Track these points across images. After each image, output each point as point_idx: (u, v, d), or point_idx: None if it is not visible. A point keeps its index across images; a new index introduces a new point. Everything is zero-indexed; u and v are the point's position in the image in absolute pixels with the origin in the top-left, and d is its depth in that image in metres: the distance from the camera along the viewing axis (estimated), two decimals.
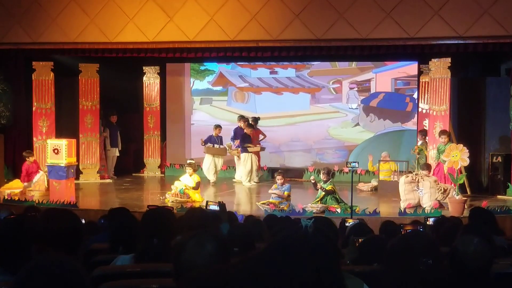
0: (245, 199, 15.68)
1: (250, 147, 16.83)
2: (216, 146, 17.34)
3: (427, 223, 8.23)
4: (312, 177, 14.39)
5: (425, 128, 16.26)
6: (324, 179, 13.38)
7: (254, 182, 16.95)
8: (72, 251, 3.72)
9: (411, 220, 9.86)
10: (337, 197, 13.21)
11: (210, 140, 17.42)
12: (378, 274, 3.84)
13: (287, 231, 2.30)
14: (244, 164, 16.87)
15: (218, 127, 17.62)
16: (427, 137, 15.79)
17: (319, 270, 2.11)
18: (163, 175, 19.20)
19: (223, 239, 2.77)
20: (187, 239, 2.68)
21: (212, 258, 2.62)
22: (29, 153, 15.77)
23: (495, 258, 4.79)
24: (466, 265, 3.62)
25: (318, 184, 13.45)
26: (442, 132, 14.61)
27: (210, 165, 17.17)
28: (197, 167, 15.61)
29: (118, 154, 18.86)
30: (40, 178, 15.48)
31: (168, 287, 3.60)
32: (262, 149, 17.58)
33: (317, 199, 13.23)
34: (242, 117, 17.59)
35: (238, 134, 17.28)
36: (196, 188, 14.22)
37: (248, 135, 16.96)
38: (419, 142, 16.09)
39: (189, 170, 14.51)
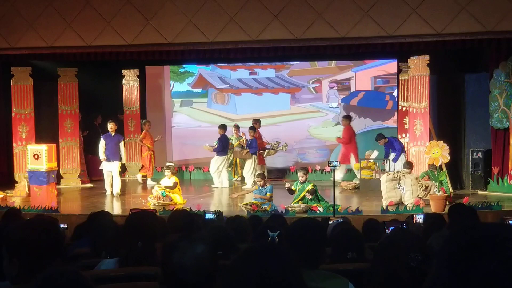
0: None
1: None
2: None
3: (414, 220, 8.28)
4: (286, 184, 14.15)
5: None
6: (303, 180, 13.22)
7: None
8: (51, 260, 3.63)
9: (392, 218, 9.92)
10: (318, 196, 13.15)
11: None
12: (365, 272, 3.84)
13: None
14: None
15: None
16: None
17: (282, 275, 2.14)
18: (144, 178, 19.10)
19: (212, 242, 2.78)
20: (178, 241, 2.68)
21: (202, 260, 2.62)
22: None
23: None
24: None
25: (292, 188, 13.37)
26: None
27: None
28: (175, 170, 15.48)
29: (119, 169, 16.34)
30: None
31: None
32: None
33: (297, 199, 13.14)
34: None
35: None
36: (173, 187, 14.13)
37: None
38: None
39: (167, 172, 14.45)
